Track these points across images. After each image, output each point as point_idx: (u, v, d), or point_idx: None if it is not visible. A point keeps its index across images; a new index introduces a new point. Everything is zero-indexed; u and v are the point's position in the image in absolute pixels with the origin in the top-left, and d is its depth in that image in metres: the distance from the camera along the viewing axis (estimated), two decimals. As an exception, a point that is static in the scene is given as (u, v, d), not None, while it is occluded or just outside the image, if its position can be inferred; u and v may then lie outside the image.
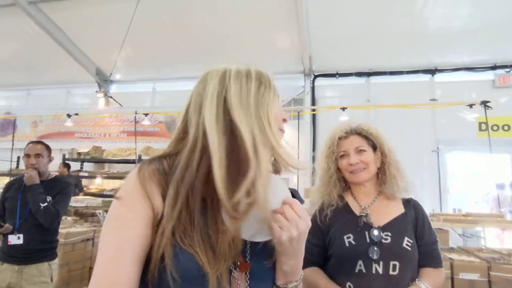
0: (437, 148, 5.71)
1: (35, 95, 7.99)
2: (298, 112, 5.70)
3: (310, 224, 0.70)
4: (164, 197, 0.68)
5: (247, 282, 0.71)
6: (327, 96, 6.34)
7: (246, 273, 0.72)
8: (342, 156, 1.38)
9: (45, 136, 7.33)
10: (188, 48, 5.94)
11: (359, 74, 6.11)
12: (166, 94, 7.06)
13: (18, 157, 7.28)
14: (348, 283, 1.24)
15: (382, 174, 1.37)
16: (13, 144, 6.47)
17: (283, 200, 0.69)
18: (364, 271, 1.22)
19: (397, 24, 5.19)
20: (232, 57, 5.94)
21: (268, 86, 0.74)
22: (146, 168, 0.72)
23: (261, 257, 0.74)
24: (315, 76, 6.27)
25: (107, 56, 6.44)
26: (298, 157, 5.91)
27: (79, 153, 6.60)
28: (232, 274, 0.69)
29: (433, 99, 5.76)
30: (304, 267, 1.28)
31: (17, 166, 7.11)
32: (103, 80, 7.13)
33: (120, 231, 0.65)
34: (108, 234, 0.66)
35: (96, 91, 6.98)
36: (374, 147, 1.38)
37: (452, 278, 2.80)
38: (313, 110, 5.78)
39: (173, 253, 0.64)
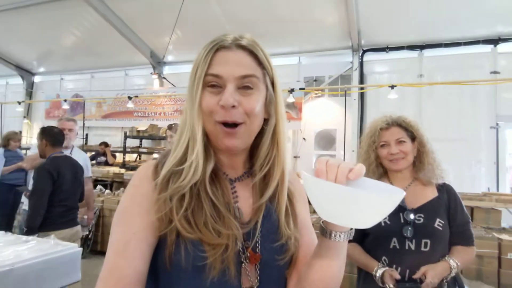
0: (497, 124, 5.37)
1: (98, 78, 8.70)
2: (345, 91, 5.64)
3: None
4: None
5: (257, 274, 0.72)
6: (377, 71, 6.16)
7: (256, 266, 0.72)
8: (382, 146, 1.50)
9: (108, 115, 8.05)
10: (235, 28, 6.07)
11: (411, 47, 5.81)
12: (215, 74, 7.32)
13: (87, 134, 8.12)
14: (384, 257, 1.41)
15: (418, 163, 1.48)
16: (84, 124, 7.22)
17: None
18: (398, 247, 1.38)
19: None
20: (278, 35, 5.98)
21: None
22: (156, 161, 0.78)
23: (273, 251, 0.74)
24: (364, 51, 6.08)
25: (160, 40, 6.79)
26: (345, 135, 5.93)
27: (138, 131, 7.19)
28: (243, 265, 0.70)
29: (495, 72, 5.36)
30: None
31: (86, 143, 7.96)
32: (157, 62, 7.55)
33: (128, 224, 0.69)
34: (118, 227, 0.70)
35: (151, 73, 7.47)
36: (413, 138, 1.48)
37: (499, 258, 2.80)
38: (361, 89, 5.67)
39: (180, 242, 0.67)
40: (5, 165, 4.64)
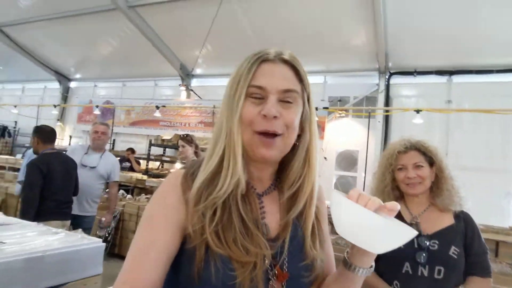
0: (530, 154, 5.15)
1: (129, 86, 9.06)
2: (369, 112, 5.60)
3: None
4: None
5: None
6: (403, 95, 6.08)
7: (283, 284, 0.71)
8: (399, 169, 1.49)
9: (136, 123, 8.33)
10: (263, 45, 6.20)
11: (440, 73, 5.72)
12: (241, 88, 7.47)
13: (114, 140, 8.42)
14: (395, 281, 1.40)
15: (436, 188, 1.47)
16: (112, 129, 7.49)
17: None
18: (410, 272, 1.36)
19: (486, 17, 4.74)
20: (305, 54, 6.06)
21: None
22: (185, 170, 0.76)
23: (300, 269, 0.74)
24: (391, 74, 6.05)
25: (190, 53, 7.03)
26: (367, 156, 5.85)
27: (162, 140, 7.39)
28: (270, 282, 0.70)
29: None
30: None
31: (113, 148, 8.24)
32: (186, 74, 7.80)
33: (150, 233, 0.69)
34: (140, 233, 0.70)
35: (179, 84, 7.72)
36: (431, 163, 1.46)
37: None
38: (386, 111, 5.61)
39: (210, 258, 0.66)
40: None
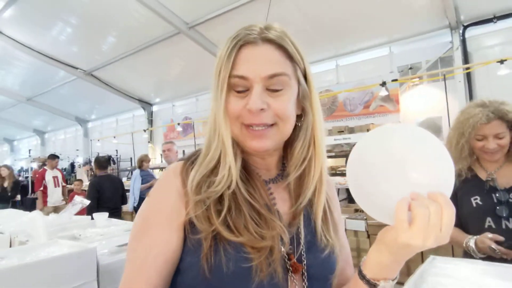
0: None
1: (201, 99, 9.75)
2: (444, 74, 5.18)
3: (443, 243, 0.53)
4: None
5: (304, 283, 0.66)
6: (484, 46, 5.47)
7: (304, 277, 0.66)
8: (478, 139, 1.45)
9: (214, 131, 8.96)
10: (319, 31, 6.17)
11: (526, 11, 5.03)
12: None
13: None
14: None
15: None
16: (195, 142, 8.19)
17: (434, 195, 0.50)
18: (494, 226, 1.35)
19: None
20: (364, 30, 5.88)
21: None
22: (185, 159, 0.73)
23: (321, 263, 0.69)
24: (465, 27, 5.50)
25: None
26: (449, 121, 5.39)
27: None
28: (289, 274, 0.65)
29: None
30: None
31: (198, 158, 8.97)
32: (250, 77, 8.12)
33: (145, 239, 0.64)
34: (135, 241, 0.66)
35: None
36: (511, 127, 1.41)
37: None
38: (467, 68, 5.14)
39: (219, 247, 0.61)
40: (141, 183, 5.64)
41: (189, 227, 0.65)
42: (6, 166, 7.50)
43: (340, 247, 0.73)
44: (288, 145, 0.73)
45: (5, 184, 7.16)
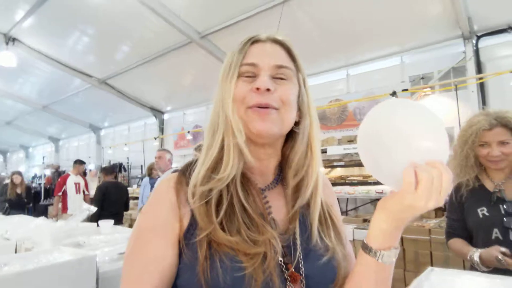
0: None
1: (212, 108, 9.84)
2: (456, 85, 5.11)
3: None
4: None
5: None
6: (498, 56, 5.38)
7: (301, 283, 0.65)
8: (482, 146, 1.43)
9: (223, 140, 8.99)
10: (329, 39, 6.18)
11: (541, 21, 4.94)
12: (314, 88, 7.47)
13: (208, 159, 9.21)
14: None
15: None
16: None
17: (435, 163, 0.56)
18: (501, 238, 1.31)
19: None
20: (375, 39, 5.86)
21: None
22: (180, 171, 0.73)
23: (320, 270, 0.67)
24: (479, 37, 5.43)
25: (261, 65, 7.37)
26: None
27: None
28: (288, 284, 0.64)
29: None
30: (448, 238, 1.46)
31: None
32: (260, 86, 8.16)
33: (140, 255, 0.64)
34: (130, 257, 0.66)
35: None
36: None
37: None
38: (480, 78, 5.06)
39: (214, 256, 0.61)
40: (150, 191, 5.68)
41: (183, 238, 0.64)
42: (18, 173, 7.64)
43: (344, 255, 0.72)
44: (285, 154, 0.74)
45: (19, 191, 7.27)
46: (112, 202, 4.68)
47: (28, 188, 8.04)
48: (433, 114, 0.62)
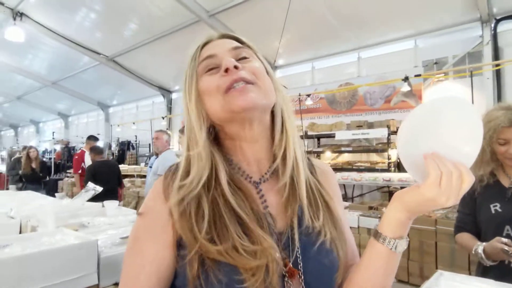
0: None
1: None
2: (471, 71, 4.94)
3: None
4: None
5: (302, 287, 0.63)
6: (517, 41, 5.19)
7: (300, 278, 0.63)
8: (501, 143, 1.38)
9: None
10: (342, 23, 5.99)
11: None
12: (324, 71, 7.35)
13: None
14: None
15: None
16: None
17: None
18: None
19: None
20: (388, 22, 5.66)
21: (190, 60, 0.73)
22: (165, 174, 0.71)
23: (319, 265, 0.65)
24: (497, 21, 5.20)
25: (269, 45, 7.21)
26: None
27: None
28: (286, 280, 0.62)
29: None
30: (456, 232, 1.44)
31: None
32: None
33: (137, 257, 0.64)
34: (128, 259, 0.65)
35: (265, 78, 7.98)
36: None
37: None
38: (497, 65, 4.88)
39: (208, 271, 0.58)
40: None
41: (177, 248, 0.63)
42: (34, 148, 7.73)
43: (343, 241, 0.70)
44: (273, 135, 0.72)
45: (34, 165, 7.35)
46: (103, 180, 4.56)
47: (43, 163, 8.13)
48: (480, 123, 0.60)
